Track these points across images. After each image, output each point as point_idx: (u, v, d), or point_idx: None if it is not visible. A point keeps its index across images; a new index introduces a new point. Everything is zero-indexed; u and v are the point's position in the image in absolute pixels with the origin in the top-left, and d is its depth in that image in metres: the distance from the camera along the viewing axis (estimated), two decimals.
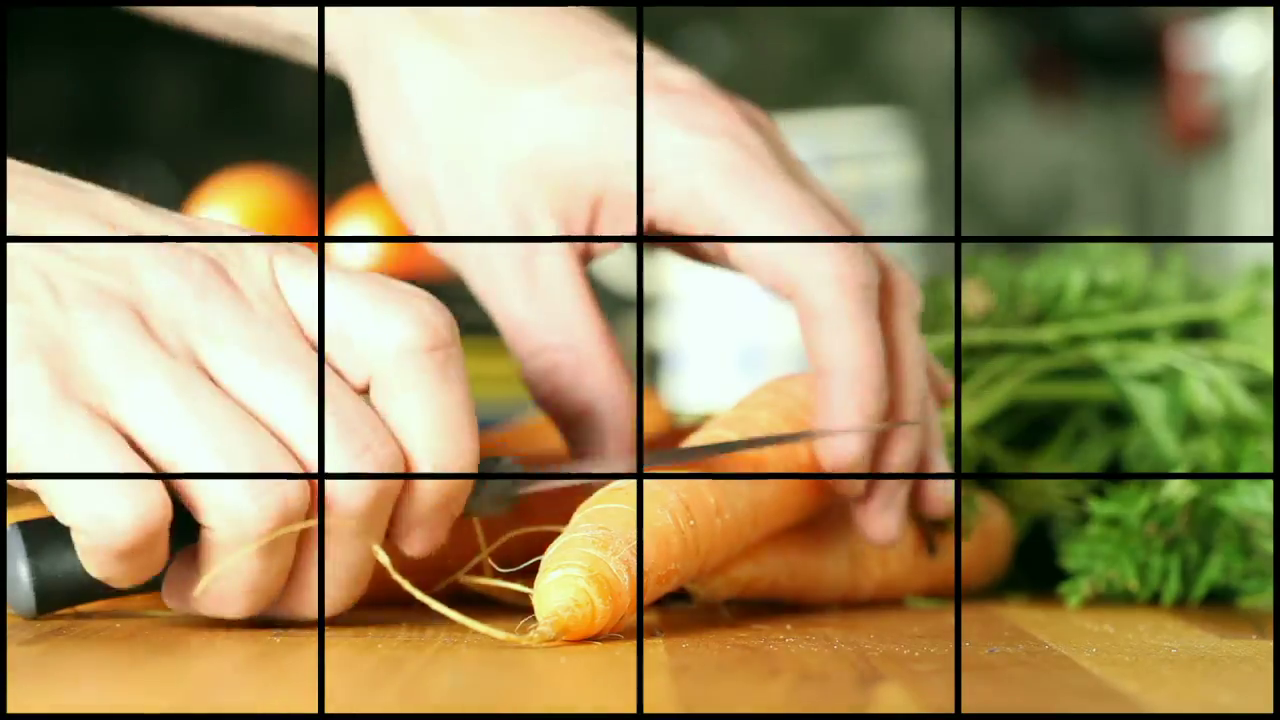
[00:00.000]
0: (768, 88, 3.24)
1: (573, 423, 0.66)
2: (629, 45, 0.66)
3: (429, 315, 0.56)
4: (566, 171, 0.64)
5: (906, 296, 0.65)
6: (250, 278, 0.56)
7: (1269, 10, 2.54)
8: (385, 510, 0.56)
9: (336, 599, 0.57)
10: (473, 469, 0.57)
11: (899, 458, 0.64)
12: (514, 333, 0.66)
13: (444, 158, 0.66)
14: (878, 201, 1.19)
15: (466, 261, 0.67)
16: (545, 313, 0.65)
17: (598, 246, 0.66)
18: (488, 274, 0.66)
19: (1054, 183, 3.29)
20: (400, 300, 0.56)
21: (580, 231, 0.65)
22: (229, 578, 0.55)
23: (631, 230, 0.65)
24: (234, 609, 0.56)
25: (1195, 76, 2.73)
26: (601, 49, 0.65)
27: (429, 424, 0.56)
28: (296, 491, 0.54)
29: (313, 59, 0.71)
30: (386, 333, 0.55)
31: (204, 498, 0.54)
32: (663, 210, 0.64)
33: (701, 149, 0.63)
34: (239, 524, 0.54)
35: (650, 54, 0.66)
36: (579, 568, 0.55)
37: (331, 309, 0.56)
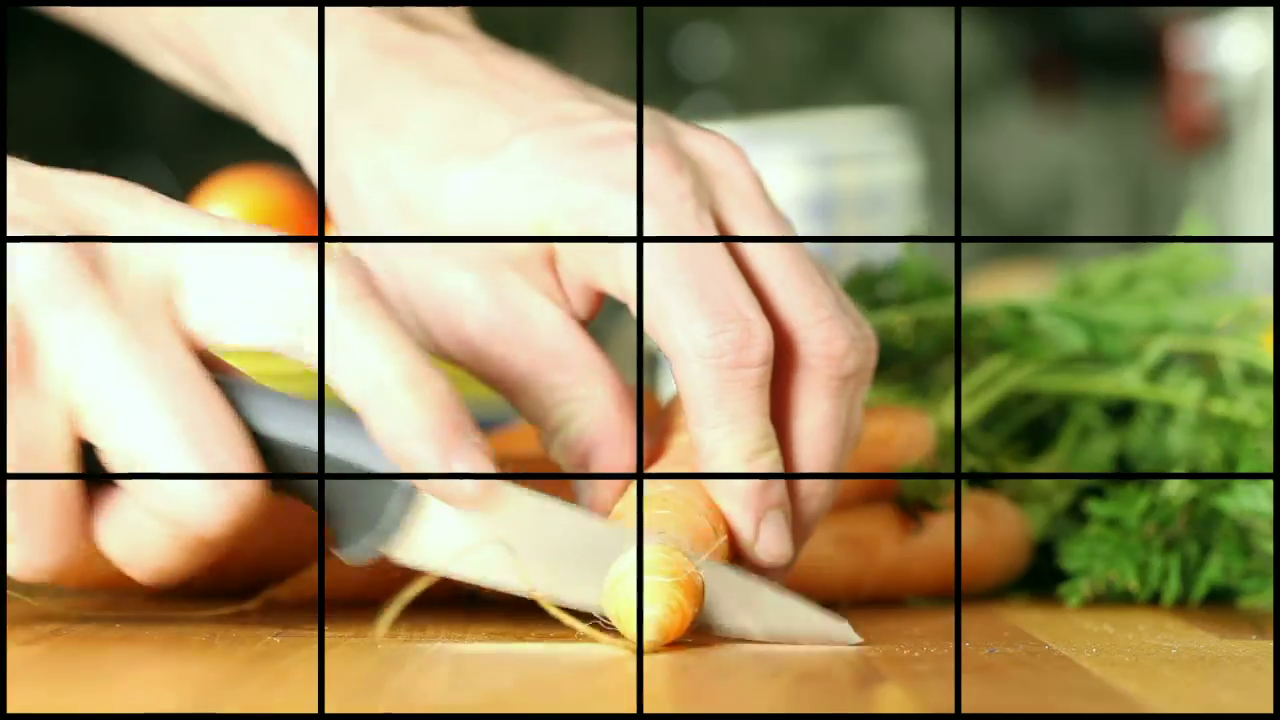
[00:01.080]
0: (768, 88, 3.25)
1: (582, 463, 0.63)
2: (571, 106, 0.64)
3: (348, 265, 0.55)
4: (515, 245, 0.62)
5: (823, 360, 0.61)
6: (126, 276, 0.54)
7: (1269, 10, 2.55)
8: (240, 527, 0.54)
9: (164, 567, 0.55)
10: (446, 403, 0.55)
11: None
12: (522, 401, 0.63)
13: (409, 266, 0.64)
14: (878, 201, 1.19)
15: (472, 363, 0.64)
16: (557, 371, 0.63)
17: (592, 308, 0.64)
18: (493, 369, 0.63)
19: (1054, 183, 3.29)
20: (311, 252, 0.55)
21: (557, 298, 0.63)
22: (156, 547, 0.54)
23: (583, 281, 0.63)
24: (140, 575, 0.55)
25: (1195, 76, 2.73)
26: (535, 115, 0.63)
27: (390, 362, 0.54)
28: (253, 491, 0.53)
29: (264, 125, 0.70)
30: (308, 284, 0.54)
31: (154, 482, 0.52)
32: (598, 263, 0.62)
33: (621, 206, 0.61)
34: (188, 513, 0.53)
35: (586, 108, 0.63)
36: (668, 575, 0.55)
37: (248, 269, 0.55)
